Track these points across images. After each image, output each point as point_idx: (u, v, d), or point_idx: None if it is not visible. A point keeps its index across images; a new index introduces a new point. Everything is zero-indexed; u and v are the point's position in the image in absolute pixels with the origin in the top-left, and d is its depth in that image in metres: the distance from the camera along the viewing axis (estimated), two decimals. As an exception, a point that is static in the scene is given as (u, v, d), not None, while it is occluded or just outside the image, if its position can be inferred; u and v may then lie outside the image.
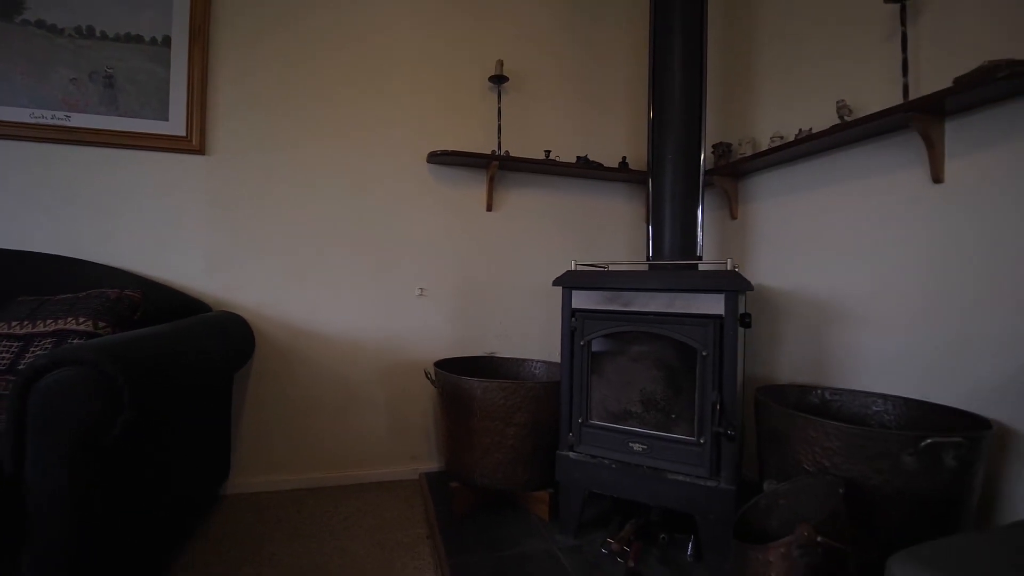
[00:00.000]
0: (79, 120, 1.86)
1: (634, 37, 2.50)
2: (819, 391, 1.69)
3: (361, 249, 2.14)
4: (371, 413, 2.16)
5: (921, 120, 1.46)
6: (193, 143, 1.95)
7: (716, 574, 1.40)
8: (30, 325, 1.42)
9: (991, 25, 1.37)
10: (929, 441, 1.12)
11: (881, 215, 1.67)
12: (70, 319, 1.39)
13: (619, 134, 2.50)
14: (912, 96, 1.52)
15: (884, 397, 1.57)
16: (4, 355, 1.36)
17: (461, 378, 1.74)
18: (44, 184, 1.82)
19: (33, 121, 1.82)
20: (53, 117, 1.84)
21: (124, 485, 1.15)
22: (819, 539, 1.02)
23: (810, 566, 1.04)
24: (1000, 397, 1.34)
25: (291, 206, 2.06)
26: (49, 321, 1.41)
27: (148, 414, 1.13)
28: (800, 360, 1.94)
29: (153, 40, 1.93)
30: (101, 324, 1.39)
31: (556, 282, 1.70)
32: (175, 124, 1.94)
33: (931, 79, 1.50)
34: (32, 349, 1.35)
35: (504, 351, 2.31)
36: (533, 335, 2.36)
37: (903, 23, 1.54)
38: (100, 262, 1.83)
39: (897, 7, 1.56)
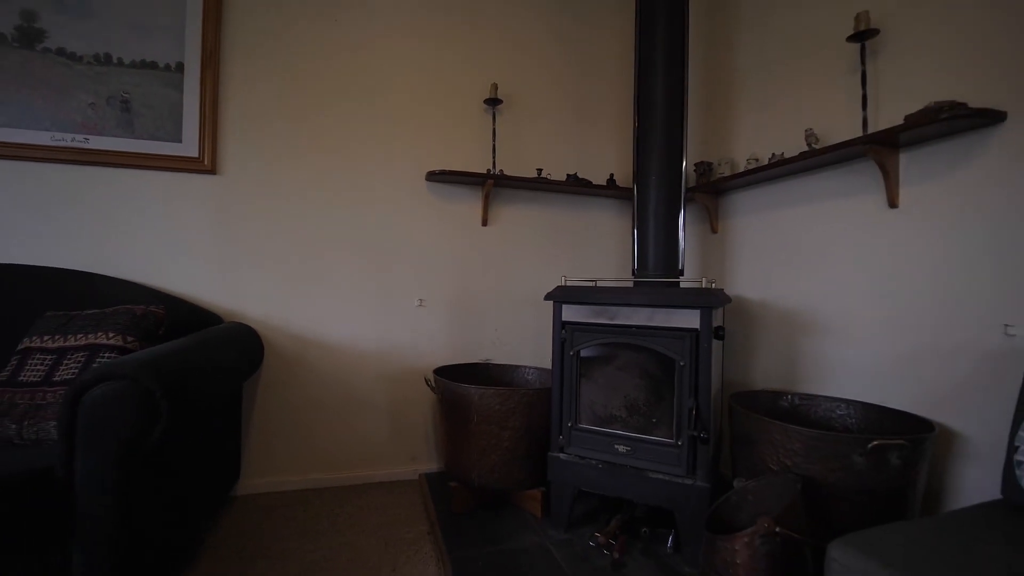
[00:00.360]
0: (97, 142, 1.96)
1: (621, 61, 2.64)
2: (789, 396, 1.84)
3: (363, 262, 2.26)
4: (373, 417, 2.29)
5: (878, 152, 1.61)
6: (205, 163, 2.06)
7: (692, 563, 1.55)
8: (61, 339, 1.53)
9: (940, 65, 1.53)
10: (875, 443, 1.27)
11: (845, 235, 1.82)
12: (100, 334, 1.51)
13: (607, 151, 2.64)
14: (871, 129, 1.68)
15: (847, 402, 1.73)
16: (39, 367, 1.47)
17: (460, 385, 1.87)
18: (65, 203, 1.93)
19: (54, 144, 1.92)
20: (73, 140, 1.94)
21: (156, 486, 1.28)
22: (777, 530, 1.17)
23: (770, 554, 1.19)
24: (945, 402, 1.50)
25: (297, 222, 2.18)
26: (80, 336, 1.52)
27: (178, 422, 1.25)
28: (774, 367, 2.10)
29: (167, 66, 2.04)
30: (130, 339, 1.51)
31: (547, 297, 1.84)
32: (188, 145, 2.05)
33: (889, 112, 1.65)
34: (65, 362, 1.47)
35: (499, 358, 2.44)
36: (526, 342, 2.50)
37: (863, 61, 1.69)
38: (118, 276, 1.93)
39: (858, 46, 1.71)
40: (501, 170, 2.36)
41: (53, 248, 1.91)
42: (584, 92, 2.60)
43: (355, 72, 2.25)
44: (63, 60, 1.94)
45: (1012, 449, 1.09)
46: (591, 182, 2.43)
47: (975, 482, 1.41)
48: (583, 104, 2.60)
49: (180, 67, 2.05)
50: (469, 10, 2.40)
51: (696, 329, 1.58)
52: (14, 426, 1.36)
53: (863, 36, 1.66)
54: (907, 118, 1.49)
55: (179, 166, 2.04)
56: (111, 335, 1.50)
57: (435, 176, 2.28)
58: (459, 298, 2.39)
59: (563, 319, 1.80)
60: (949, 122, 1.40)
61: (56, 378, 1.45)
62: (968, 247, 1.46)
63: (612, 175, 2.52)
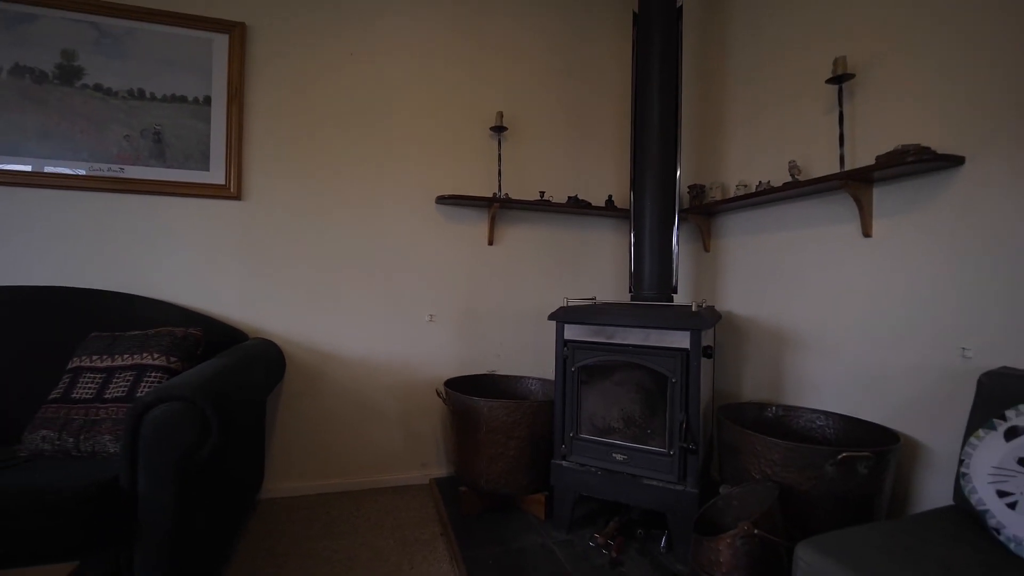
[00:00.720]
0: (132, 172, 2.11)
1: (618, 87, 2.79)
2: (774, 408, 2.00)
3: (377, 280, 2.41)
4: (386, 425, 2.44)
5: (853, 186, 1.76)
6: (231, 190, 2.21)
7: (683, 562, 1.71)
8: (109, 359, 1.68)
9: (910, 108, 1.68)
10: (844, 455, 1.42)
11: (824, 260, 1.98)
12: (145, 354, 1.66)
13: (605, 173, 2.79)
14: (847, 165, 1.83)
15: (826, 414, 1.88)
16: (90, 385, 1.62)
17: (470, 398, 2.03)
18: (102, 229, 2.08)
19: (91, 174, 2.07)
20: (108, 170, 2.09)
21: (202, 493, 1.43)
22: (756, 532, 1.33)
23: (749, 554, 1.35)
24: (911, 415, 1.66)
25: (315, 243, 2.33)
26: (126, 356, 1.67)
27: (223, 437, 1.40)
28: (761, 378, 2.25)
29: (195, 100, 2.19)
30: (173, 359, 1.66)
31: (551, 317, 1.99)
32: (215, 174, 2.20)
33: (865, 149, 1.80)
34: (115, 380, 1.62)
35: (503, 369, 2.60)
36: (528, 354, 2.65)
37: (840, 102, 1.84)
38: (153, 297, 2.09)
39: (836, 88, 1.86)
40: (506, 194, 2.51)
41: (93, 271, 2.05)
42: (583, 118, 2.75)
43: (368, 103, 2.40)
44: (100, 95, 2.09)
45: (960, 462, 1.24)
46: (590, 203, 2.59)
47: (935, 489, 1.57)
48: (582, 129, 2.75)
49: (208, 100, 2.20)
50: (474, 44, 2.55)
51: (687, 349, 1.73)
52: (72, 439, 1.51)
53: (840, 79, 1.81)
54: (878, 158, 1.65)
55: (207, 193, 2.19)
56: (156, 356, 1.65)
57: (444, 200, 2.43)
58: (466, 313, 2.55)
59: (565, 338, 1.96)
60: (914, 164, 1.55)
61: (107, 395, 1.60)
62: (933, 276, 1.61)
63: (611, 196, 2.67)
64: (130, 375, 1.62)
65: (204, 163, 2.19)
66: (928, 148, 1.54)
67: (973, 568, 1.00)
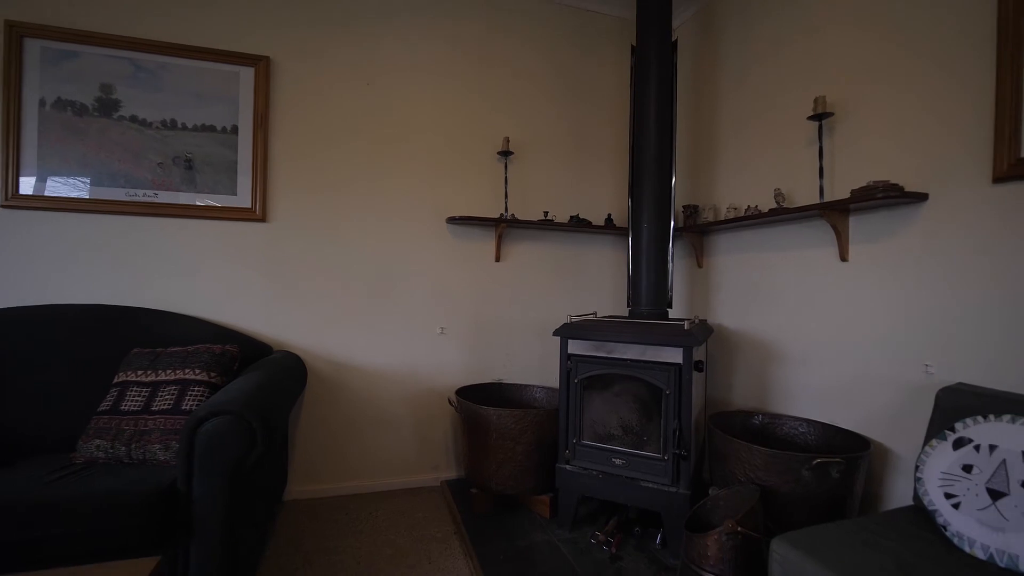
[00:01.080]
0: (165, 197, 2.27)
1: (617, 111, 2.96)
2: (759, 416, 2.17)
3: (392, 295, 2.58)
4: (400, 431, 2.61)
5: (831, 215, 1.94)
6: (257, 213, 2.37)
7: (676, 556, 1.88)
8: (153, 374, 1.84)
9: (883, 145, 1.85)
10: (817, 461, 1.60)
11: (805, 279, 2.15)
12: (188, 370, 1.82)
13: (605, 193, 2.96)
14: (826, 196, 2.01)
15: (807, 422, 2.06)
16: (137, 398, 1.79)
17: (480, 407, 2.20)
18: (138, 250, 2.24)
19: (128, 199, 2.23)
20: (144, 195, 2.25)
21: (244, 496, 1.59)
22: (739, 529, 1.50)
23: (734, 548, 1.52)
24: (882, 423, 1.83)
25: (334, 261, 2.49)
26: (169, 371, 1.84)
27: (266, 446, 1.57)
28: (750, 388, 2.43)
29: (224, 129, 2.35)
30: (213, 374, 1.82)
31: (555, 333, 2.16)
32: (242, 198, 2.36)
33: (843, 179, 1.98)
34: (160, 393, 1.78)
35: (509, 378, 2.77)
36: (533, 364, 2.82)
37: (820, 137, 2.02)
38: (186, 313, 2.25)
39: (816, 124, 2.03)
40: (512, 214, 2.68)
41: (130, 290, 2.21)
42: (584, 142, 2.92)
43: (384, 131, 2.56)
44: (136, 126, 2.25)
45: (916, 467, 1.42)
46: (591, 223, 2.76)
47: (901, 490, 1.75)
48: (583, 153, 2.92)
49: (235, 129, 2.36)
50: (483, 74, 2.71)
51: (679, 364, 1.90)
52: (124, 448, 1.67)
53: (820, 117, 1.98)
54: (852, 192, 1.82)
55: (235, 216, 2.35)
56: (198, 371, 1.81)
57: (454, 220, 2.60)
58: (475, 325, 2.72)
59: (568, 352, 2.13)
60: (883, 199, 1.73)
61: (154, 408, 1.76)
62: (901, 299, 1.79)
63: (610, 215, 2.84)
64: (175, 389, 1.78)
65: (232, 188, 2.35)
66: (896, 185, 1.72)
67: (919, 559, 1.17)
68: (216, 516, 1.44)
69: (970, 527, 1.21)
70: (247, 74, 2.37)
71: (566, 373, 2.12)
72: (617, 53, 2.98)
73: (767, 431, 2.13)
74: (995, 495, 1.20)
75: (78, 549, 1.36)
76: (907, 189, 1.72)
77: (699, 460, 2.15)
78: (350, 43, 2.51)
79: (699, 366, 1.96)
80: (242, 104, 2.37)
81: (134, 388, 1.82)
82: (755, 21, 2.44)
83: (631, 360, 2.00)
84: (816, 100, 1.98)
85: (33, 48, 2.14)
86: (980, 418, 1.32)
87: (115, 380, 1.87)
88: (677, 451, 1.84)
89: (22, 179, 2.13)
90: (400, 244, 2.59)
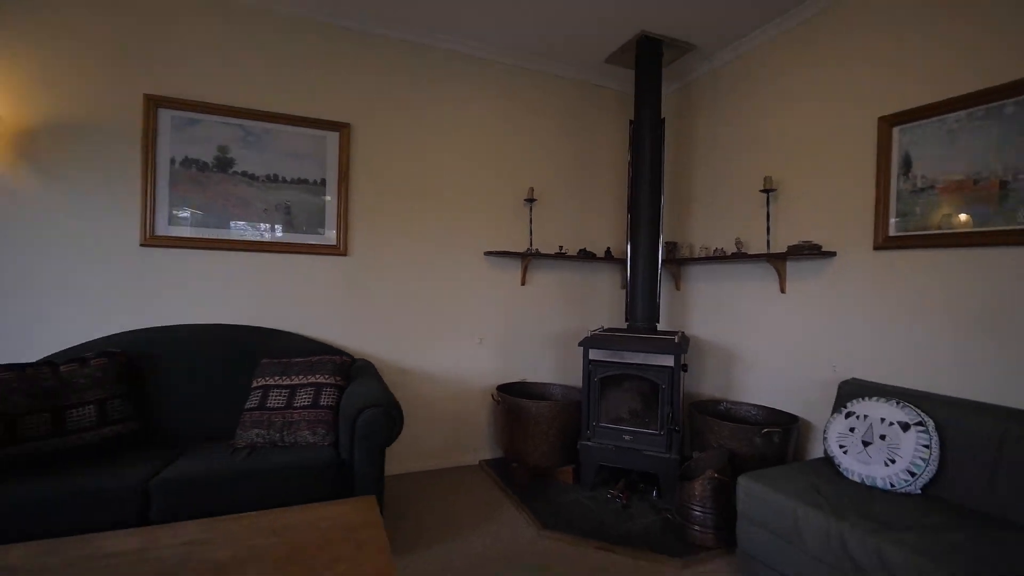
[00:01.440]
0: (269, 236, 2.84)
1: (617, 168, 3.73)
2: (724, 403, 2.99)
3: (442, 313, 3.23)
4: (446, 421, 3.26)
5: (774, 261, 2.77)
6: (340, 248, 2.97)
7: (668, 504, 2.65)
8: (288, 379, 2.43)
9: (810, 212, 2.69)
10: (765, 431, 2.41)
11: (756, 304, 2.99)
12: (317, 375, 2.42)
13: (606, 230, 3.72)
14: (772, 247, 2.84)
15: (756, 406, 2.89)
16: (279, 397, 2.37)
17: (521, 400, 2.90)
18: (251, 279, 2.79)
19: (239, 238, 2.78)
20: (253, 235, 2.81)
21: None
22: (716, 475, 2.28)
23: (713, 489, 2.30)
24: (803, 404, 2.68)
25: (397, 285, 3.12)
26: (300, 376, 2.43)
27: (393, 429, 2.21)
28: (717, 382, 3.25)
29: (314, 181, 2.93)
30: (338, 378, 2.43)
31: (580, 344, 2.89)
32: (328, 236, 2.96)
33: (786, 234, 2.81)
34: (299, 393, 2.37)
35: (532, 377, 3.48)
36: (549, 366, 3.55)
37: (767, 204, 2.85)
38: (287, 330, 2.82)
39: (765, 195, 2.86)
40: (536, 248, 3.39)
41: (247, 312, 2.77)
42: (589, 189, 3.67)
43: (434, 184, 3.21)
44: (247, 180, 2.80)
45: (824, 432, 2.24)
46: (595, 254, 3.51)
47: (815, 447, 2.59)
48: (588, 199, 3.67)
49: (323, 182, 2.95)
50: (511, 136, 3.41)
51: (671, 366, 2.68)
52: (277, 435, 2.27)
53: (768, 191, 2.81)
54: (788, 247, 2.65)
55: (324, 251, 2.94)
56: (326, 376, 2.42)
57: (490, 254, 3.28)
58: (505, 335, 3.41)
59: (590, 358, 2.87)
60: (808, 255, 2.56)
61: (296, 404, 2.35)
62: (818, 320, 2.64)
63: (608, 248, 3.61)
64: (311, 389, 2.38)
65: (320, 229, 2.94)
66: (816, 245, 2.56)
67: (824, 482, 1.98)
68: (371, 480, 2.07)
69: (852, 464, 2.03)
70: (333, 137, 2.96)
71: (588, 373, 2.86)
72: (615, 119, 3.74)
73: (730, 413, 2.95)
74: (865, 444, 2.02)
75: (273, 501, 1.96)
76: (824, 248, 2.56)
77: (683, 436, 2.94)
78: (407, 112, 3.14)
79: (685, 367, 2.74)
80: (329, 162, 2.96)
81: (275, 390, 2.40)
82: (722, 99, 3.26)
83: (635, 364, 2.77)
84: (765, 179, 2.80)
85: (165, 116, 2.66)
86: (862, 399, 2.15)
87: (254, 384, 2.44)
88: (672, 427, 2.62)
89: (157, 222, 2.64)
90: (447, 272, 3.25)
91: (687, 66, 3.41)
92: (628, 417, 2.86)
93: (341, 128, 2.97)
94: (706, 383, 3.32)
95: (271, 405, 2.36)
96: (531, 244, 3.41)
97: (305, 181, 2.92)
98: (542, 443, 2.90)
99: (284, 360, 2.53)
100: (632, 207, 3.15)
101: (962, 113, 2.07)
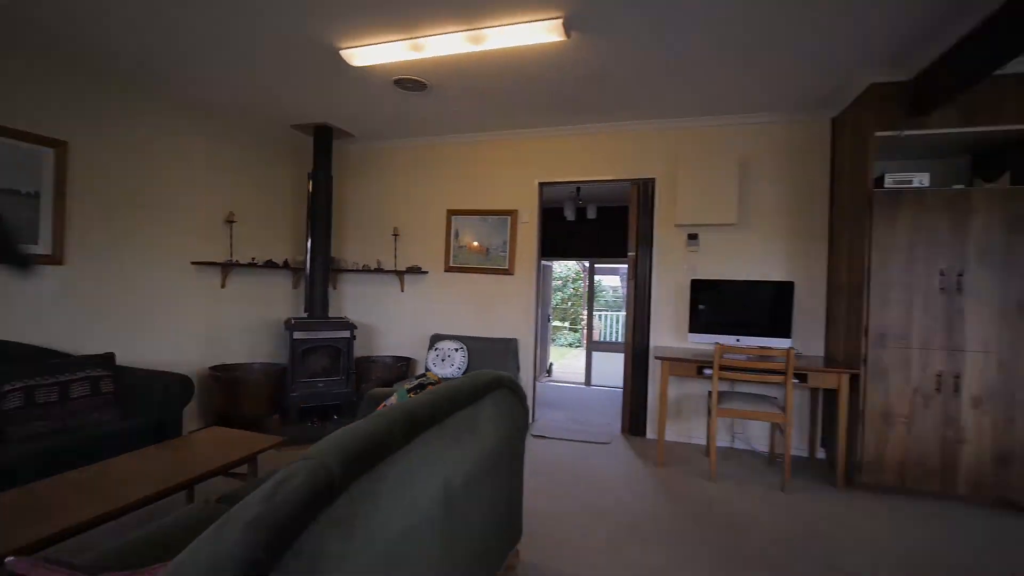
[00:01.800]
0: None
1: (296, 196, 5.11)
2: (373, 356, 5.05)
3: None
4: (159, 403, 3.90)
5: (399, 275, 5.02)
6: (56, 257, 3.21)
7: (348, 420, 4.48)
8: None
9: (418, 248, 5.05)
10: (397, 365, 4.62)
11: (388, 298, 5.19)
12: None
13: (284, 244, 5.05)
14: (398, 267, 5.07)
15: (391, 356, 5.08)
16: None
17: (236, 373, 4.03)
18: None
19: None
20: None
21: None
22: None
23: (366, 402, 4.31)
24: (412, 350, 5.08)
25: (115, 289, 3.56)
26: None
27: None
28: (367, 344, 5.26)
29: (27, 193, 3.06)
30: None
31: (286, 327, 4.27)
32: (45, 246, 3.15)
33: (404, 259, 5.07)
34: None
35: (231, 359, 4.48)
36: (243, 350, 4.62)
37: (395, 241, 5.05)
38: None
39: (395, 237, 5.05)
40: (237, 259, 4.41)
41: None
42: (274, 215, 4.91)
43: (151, 200, 3.79)
44: None
45: (426, 362, 4.63)
46: (278, 263, 4.83)
47: (420, 368, 5.04)
48: (274, 221, 4.91)
49: (37, 194, 3.11)
50: (217, 174, 4.29)
51: (348, 337, 4.50)
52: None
53: (396, 235, 5.02)
54: (407, 267, 4.94)
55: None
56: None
57: (196, 263, 4.12)
58: (208, 327, 4.27)
59: (294, 336, 4.30)
60: (416, 272, 4.93)
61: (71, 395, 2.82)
62: (421, 305, 5.07)
63: (287, 259, 4.99)
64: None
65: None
66: (420, 266, 4.96)
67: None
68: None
69: (437, 370, 4.48)
70: (48, 152, 3.15)
71: (292, 346, 4.28)
72: (295, 165, 5.10)
73: (378, 360, 5.01)
74: (443, 360, 4.51)
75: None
76: (423, 268, 4.99)
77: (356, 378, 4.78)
78: (125, 139, 3.61)
79: (354, 337, 4.61)
80: (44, 175, 3.14)
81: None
82: (370, 166, 5.25)
83: (324, 338, 4.42)
84: (394, 228, 4.99)
85: None
86: (440, 341, 4.64)
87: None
88: (350, 372, 4.44)
89: None
90: (161, 277, 3.88)
91: (350, 142, 5.21)
92: (321, 372, 4.47)
93: (58, 144, 3.20)
94: (359, 347, 5.26)
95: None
96: (231, 255, 4.40)
97: (17, 192, 3.03)
98: (258, 401, 4.12)
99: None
100: (312, 233, 4.70)
101: (476, 218, 4.86)
